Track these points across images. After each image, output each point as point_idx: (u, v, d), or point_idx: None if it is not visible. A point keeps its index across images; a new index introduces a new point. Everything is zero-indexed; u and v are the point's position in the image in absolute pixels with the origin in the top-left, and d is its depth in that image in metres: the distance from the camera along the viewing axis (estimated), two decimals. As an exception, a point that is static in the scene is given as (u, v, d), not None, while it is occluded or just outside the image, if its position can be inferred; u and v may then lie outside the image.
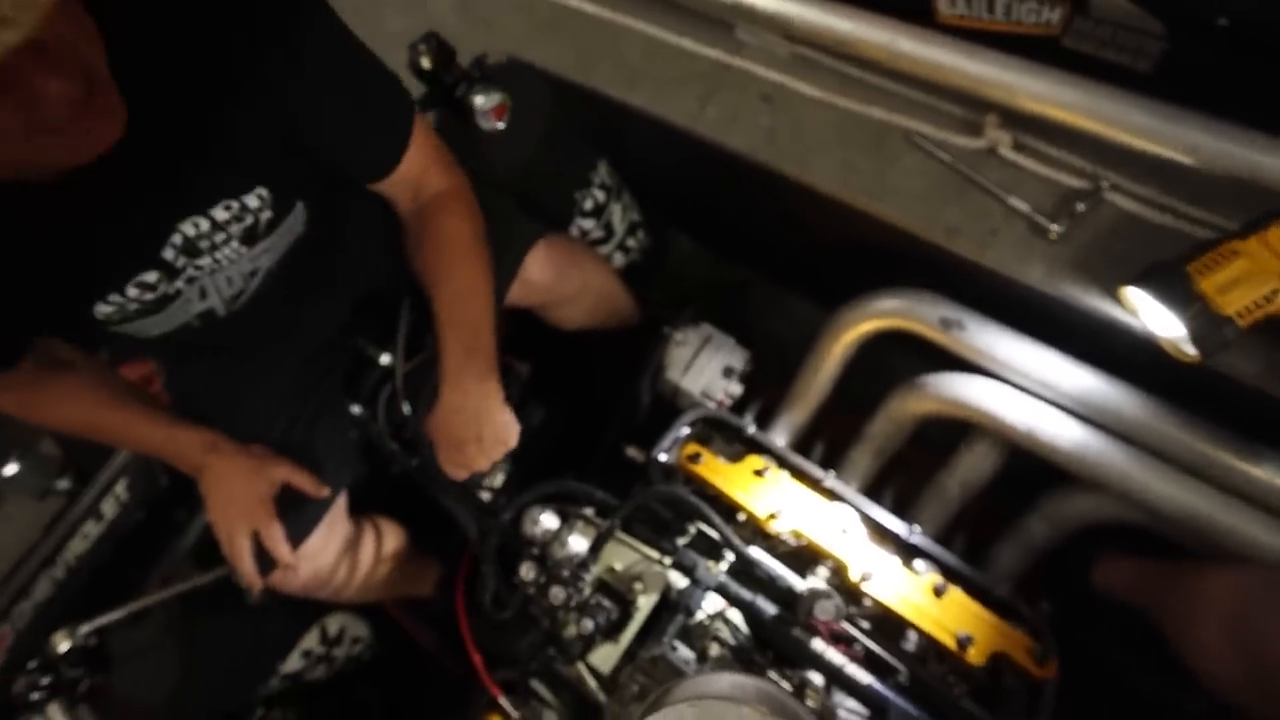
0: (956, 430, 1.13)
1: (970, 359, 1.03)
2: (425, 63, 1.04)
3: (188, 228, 0.71)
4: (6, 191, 0.59)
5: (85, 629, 1.08)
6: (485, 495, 0.99)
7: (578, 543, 0.89)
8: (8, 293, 0.68)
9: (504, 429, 0.89)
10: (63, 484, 1.35)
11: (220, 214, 0.72)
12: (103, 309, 0.72)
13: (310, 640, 1.43)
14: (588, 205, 1.43)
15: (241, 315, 0.83)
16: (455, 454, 0.88)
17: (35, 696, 1.02)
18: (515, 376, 1.37)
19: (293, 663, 1.41)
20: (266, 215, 0.75)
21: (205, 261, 0.74)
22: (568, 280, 1.12)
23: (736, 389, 1.25)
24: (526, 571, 0.87)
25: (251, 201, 0.73)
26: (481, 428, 0.85)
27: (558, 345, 1.33)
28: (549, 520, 0.90)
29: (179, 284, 0.75)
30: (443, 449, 0.89)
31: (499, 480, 0.99)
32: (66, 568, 1.24)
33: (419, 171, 0.83)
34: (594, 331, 1.37)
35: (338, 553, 1.04)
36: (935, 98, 1.10)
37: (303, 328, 0.97)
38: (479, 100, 1.05)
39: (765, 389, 1.29)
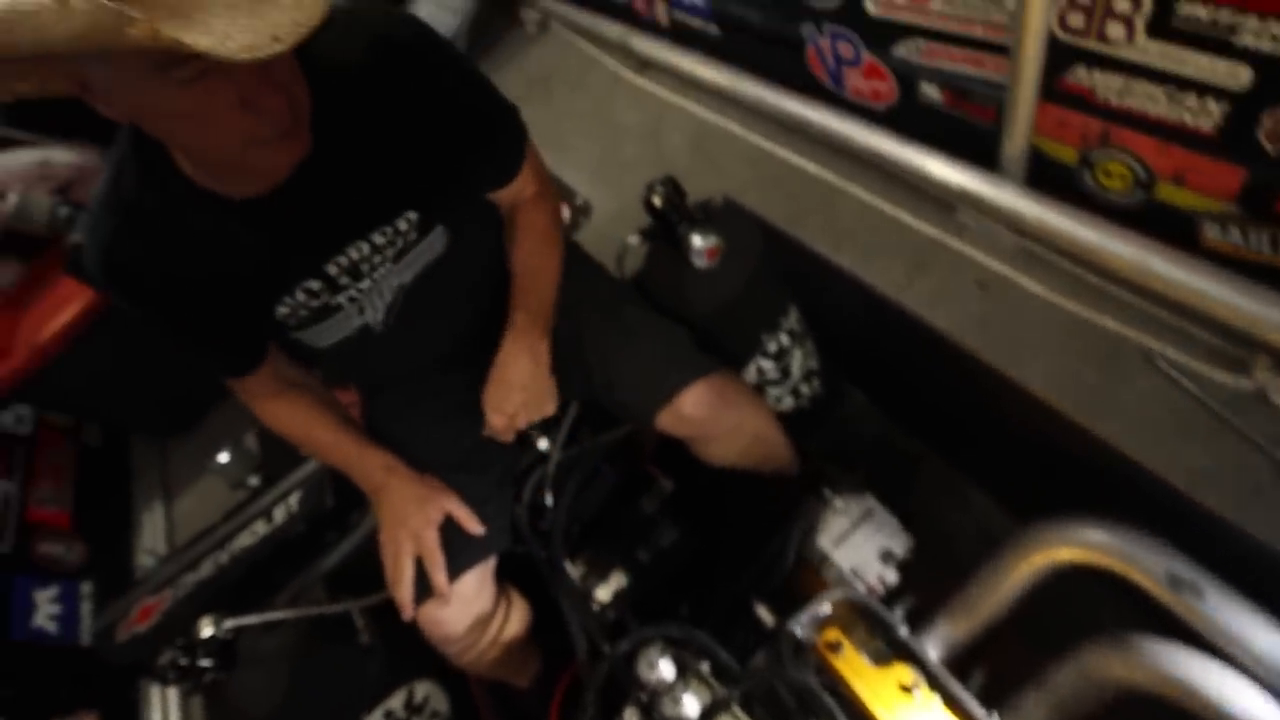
0: (1161, 710, 0.94)
1: (1200, 631, 0.86)
2: (657, 200, 1.16)
3: (352, 251, 0.84)
4: (217, 203, 0.75)
5: (230, 623, 1.19)
6: (537, 443, 1.05)
7: (690, 704, 0.84)
8: (230, 293, 0.84)
9: (545, 392, 0.99)
10: (253, 480, 1.56)
11: (378, 238, 0.85)
12: (280, 310, 0.86)
13: (395, 701, 1.46)
14: (771, 348, 1.46)
15: (393, 332, 0.98)
16: (501, 399, 0.96)
17: (170, 675, 1.13)
18: (657, 490, 1.38)
19: (374, 719, 1.44)
20: (412, 236, 0.88)
21: (365, 284, 0.88)
22: (721, 420, 1.12)
23: (892, 577, 1.14)
24: (630, 718, 0.84)
25: (401, 225, 0.86)
26: (528, 381, 0.96)
27: (708, 475, 1.33)
28: (666, 669, 0.86)
29: (340, 299, 0.88)
30: (491, 391, 0.97)
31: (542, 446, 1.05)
32: (230, 556, 1.40)
33: (524, 180, 0.99)
34: (747, 472, 1.35)
35: (483, 604, 1.08)
36: (1187, 322, 1.01)
37: (449, 344, 1.08)
38: (696, 240, 1.15)
39: (924, 584, 1.17)
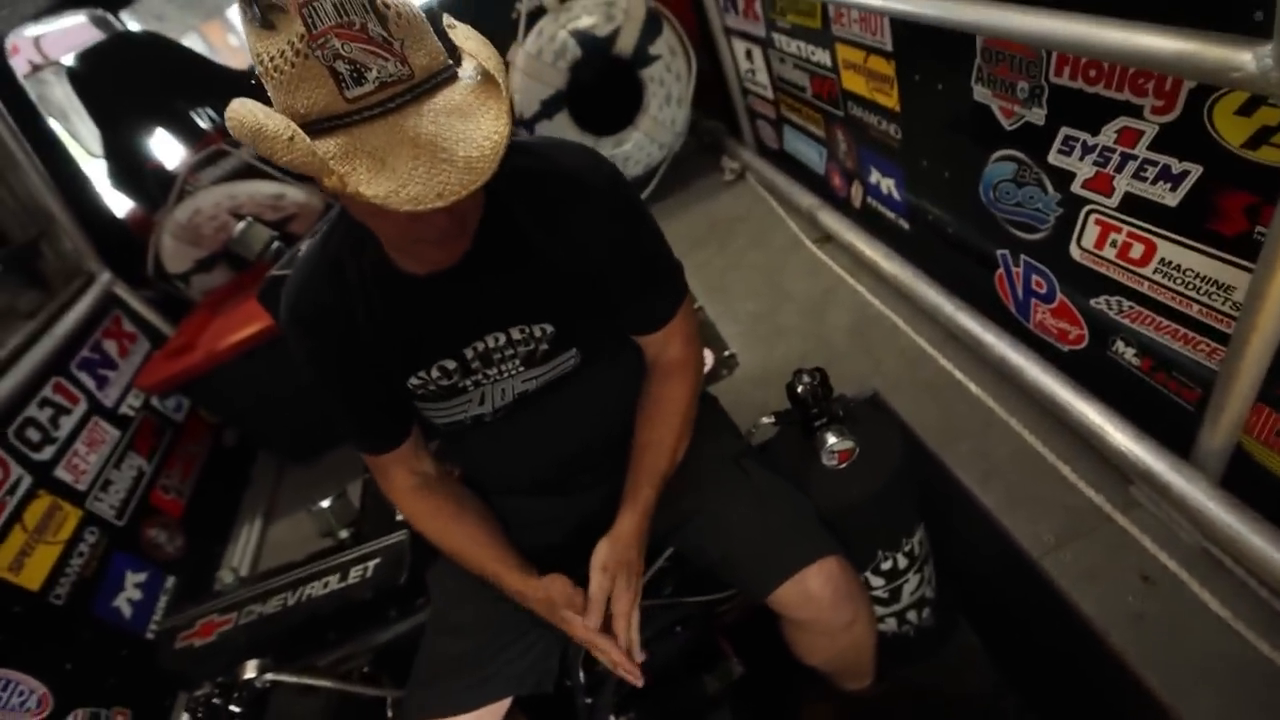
0: None
1: None
2: (801, 389, 1.22)
3: (490, 339, 0.95)
4: (396, 276, 0.90)
5: (271, 676, 1.28)
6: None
7: None
8: (381, 357, 0.97)
9: (641, 565, 1.04)
10: (343, 534, 1.69)
11: (515, 333, 0.96)
12: (413, 380, 0.98)
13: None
14: (885, 565, 1.41)
15: (501, 431, 1.05)
16: (607, 576, 0.99)
17: (200, 713, 1.22)
18: (725, 670, 1.34)
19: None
20: (544, 348, 0.98)
21: (492, 371, 0.98)
22: (841, 610, 1.08)
23: None
24: None
25: (537, 331, 0.96)
26: (634, 556, 1.02)
27: (782, 670, 1.28)
28: None
29: (468, 382, 0.98)
30: (598, 565, 1.00)
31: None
32: (298, 601, 1.51)
33: (670, 335, 1.06)
34: (827, 679, 1.30)
35: None
36: None
37: (542, 455, 1.13)
38: (831, 439, 1.17)
39: None
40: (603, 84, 2.76)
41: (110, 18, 3.09)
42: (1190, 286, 1.07)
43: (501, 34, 2.66)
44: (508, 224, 0.91)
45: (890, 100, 1.70)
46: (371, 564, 1.57)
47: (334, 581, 1.56)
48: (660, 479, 1.07)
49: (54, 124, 2.71)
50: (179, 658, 1.46)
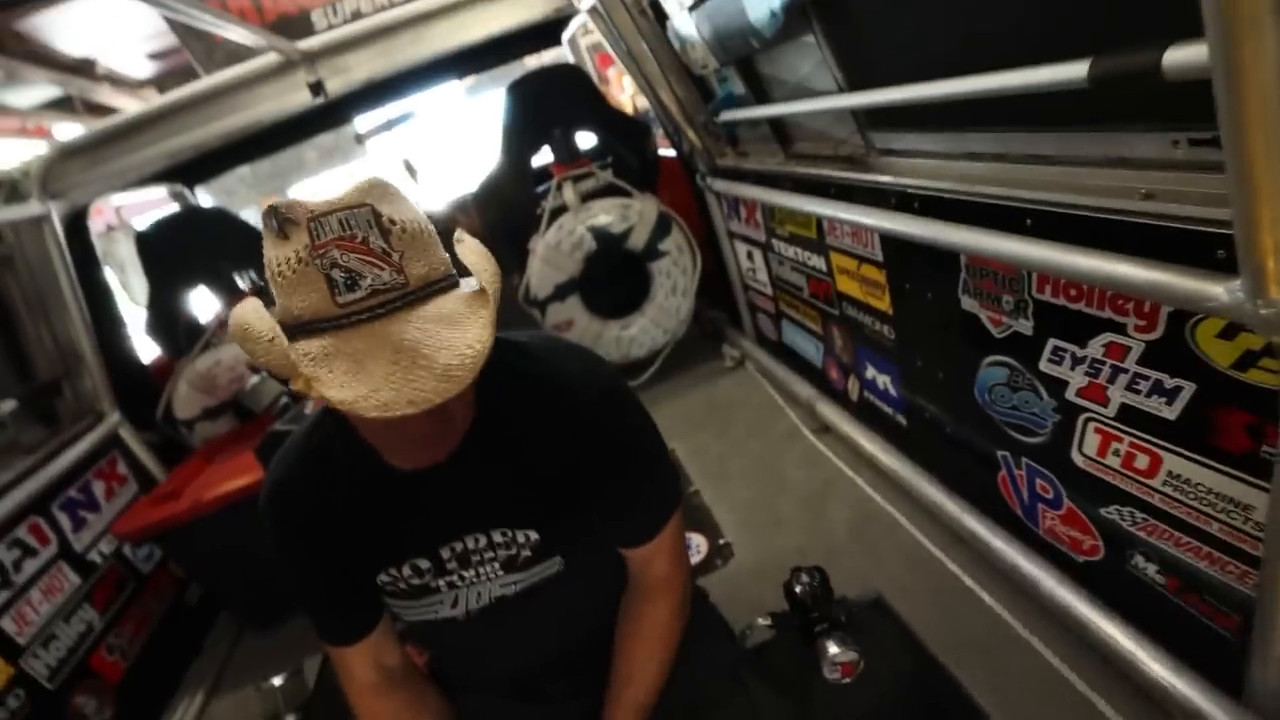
0: None
1: None
2: (799, 589, 1.11)
3: (469, 540, 0.90)
4: (380, 468, 0.86)
5: None
6: None
7: None
8: (354, 549, 0.90)
9: None
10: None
11: (497, 536, 0.90)
12: (382, 576, 0.92)
13: None
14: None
15: (475, 633, 0.98)
16: None
17: None
18: None
19: None
20: (527, 554, 0.92)
21: (469, 573, 0.92)
22: None
23: None
24: None
25: (520, 537, 0.91)
26: None
27: None
28: None
29: (441, 582, 0.92)
30: None
31: None
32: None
33: (655, 552, 0.98)
34: None
35: None
36: None
37: (516, 658, 1.04)
38: (833, 650, 1.05)
39: None
40: (614, 273, 2.93)
41: (186, 191, 3.40)
42: (1205, 502, 1.01)
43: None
44: (498, 425, 0.88)
45: (883, 304, 1.76)
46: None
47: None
48: (643, 714, 0.99)
49: (109, 272, 2.87)
50: None
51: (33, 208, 2.35)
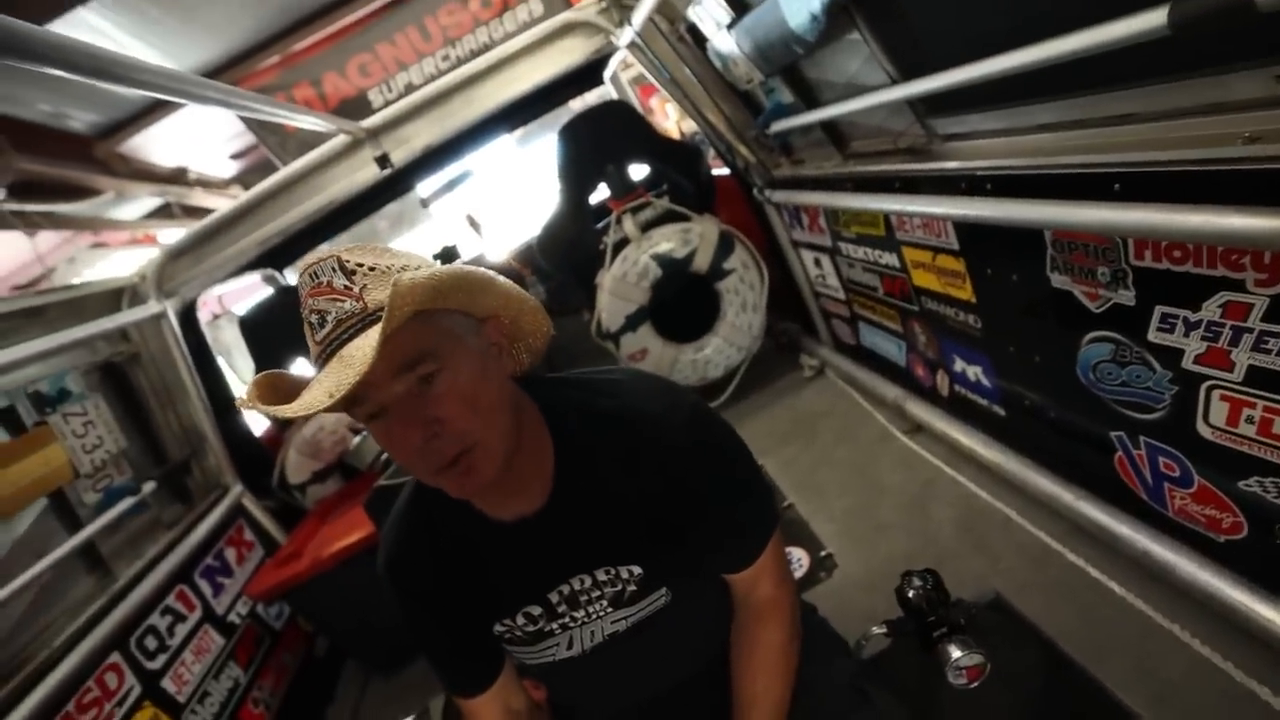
0: None
1: None
2: (912, 594, 1.07)
3: (575, 582, 0.91)
4: (484, 523, 0.89)
5: None
6: None
7: None
8: (469, 604, 0.93)
9: None
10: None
11: (601, 575, 0.91)
12: (498, 627, 0.95)
13: None
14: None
15: (592, 661, 0.98)
16: None
17: None
18: None
19: None
20: (632, 589, 0.92)
21: (579, 614, 0.93)
22: None
23: None
24: None
25: (624, 573, 0.91)
26: None
27: None
28: None
29: (554, 625, 0.94)
30: None
31: None
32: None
33: (759, 574, 0.98)
34: None
35: None
36: None
37: (636, 692, 1.05)
38: (956, 654, 1.00)
39: None
40: (682, 297, 2.94)
41: (276, 275, 3.67)
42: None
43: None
44: (588, 467, 0.89)
45: (965, 293, 1.70)
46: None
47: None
48: None
49: (219, 358, 3.11)
50: None
51: (151, 307, 2.60)
